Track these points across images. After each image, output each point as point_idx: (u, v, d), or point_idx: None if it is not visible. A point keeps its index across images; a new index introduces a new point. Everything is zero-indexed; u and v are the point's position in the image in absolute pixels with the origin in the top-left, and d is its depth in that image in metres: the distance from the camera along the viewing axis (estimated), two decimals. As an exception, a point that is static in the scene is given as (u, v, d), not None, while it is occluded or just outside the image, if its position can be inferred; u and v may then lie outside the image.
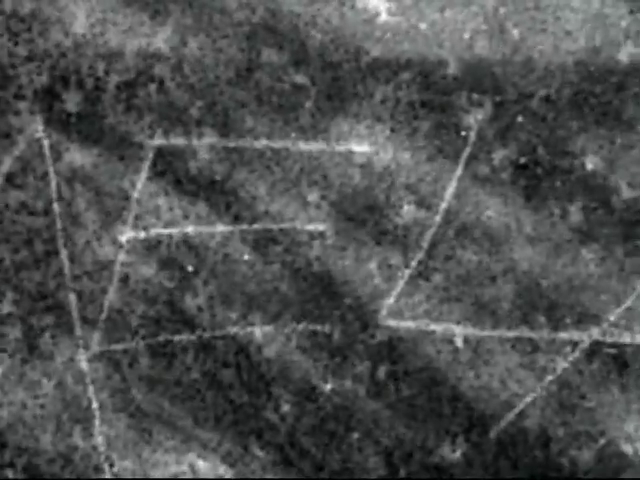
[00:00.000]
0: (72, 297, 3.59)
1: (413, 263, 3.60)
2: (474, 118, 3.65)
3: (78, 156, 3.66)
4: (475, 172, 3.63)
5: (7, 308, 3.57)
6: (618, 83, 3.64)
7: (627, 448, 3.47)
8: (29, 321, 3.58)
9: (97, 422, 3.54)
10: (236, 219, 3.65)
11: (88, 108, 3.69)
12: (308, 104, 3.70)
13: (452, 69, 3.68)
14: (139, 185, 3.66)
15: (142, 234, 3.65)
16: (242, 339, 3.60)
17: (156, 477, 3.50)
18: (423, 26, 3.72)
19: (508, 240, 3.60)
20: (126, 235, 3.65)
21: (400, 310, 3.59)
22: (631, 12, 3.65)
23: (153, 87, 3.70)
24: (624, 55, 3.64)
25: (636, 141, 3.61)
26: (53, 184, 3.64)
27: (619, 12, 3.67)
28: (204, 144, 3.68)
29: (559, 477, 3.48)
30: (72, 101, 3.68)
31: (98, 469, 3.52)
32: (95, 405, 3.55)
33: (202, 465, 3.52)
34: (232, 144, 3.68)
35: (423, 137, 3.66)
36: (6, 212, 3.63)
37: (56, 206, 3.63)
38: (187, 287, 3.62)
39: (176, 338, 3.59)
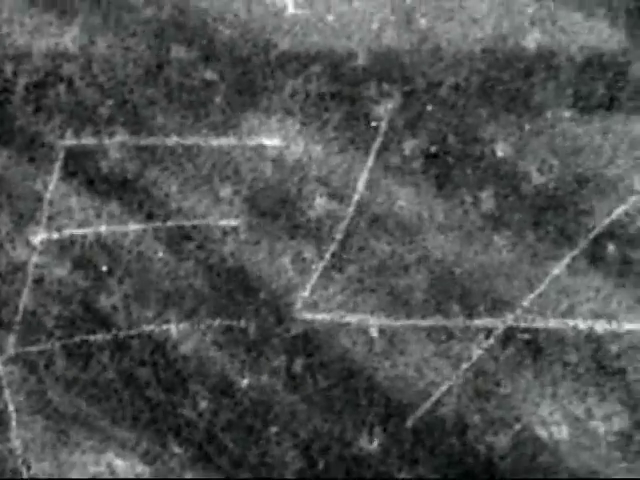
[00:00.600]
0: (-14, 300, 3.59)
1: (327, 255, 3.60)
2: (384, 108, 3.66)
3: (-12, 159, 3.65)
4: (386, 162, 3.64)
5: None
6: (525, 69, 3.65)
7: (542, 432, 3.49)
8: (-57, 326, 3.57)
9: (13, 425, 3.53)
10: (149, 217, 3.65)
11: (-3, 110, 3.68)
12: (218, 100, 3.69)
13: (361, 60, 3.69)
14: (51, 186, 3.65)
15: (55, 235, 3.64)
16: (158, 337, 3.59)
17: (74, 478, 3.50)
18: (331, 18, 3.72)
19: (421, 229, 3.61)
20: (39, 236, 3.64)
21: (315, 303, 3.59)
22: (536, -2, 3.67)
23: (62, 87, 3.69)
24: (531, 42, 3.65)
25: (544, 127, 3.62)
26: (-37, 188, 3.63)
27: (525, -1, 3.69)
28: (115, 143, 3.67)
29: (476, 463, 3.49)
30: (-19, 104, 3.67)
31: (15, 472, 3.52)
32: (11, 408, 3.54)
33: (120, 464, 3.52)
34: (143, 142, 3.68)
35: (334, 129, 3.67)
36: None
37: (-33, 210, 3.62)
38: (102, 287, 3.61)
39: (92, 338, 3.58)
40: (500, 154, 3.63)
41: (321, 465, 3.52)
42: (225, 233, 3.63)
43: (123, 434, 3.53)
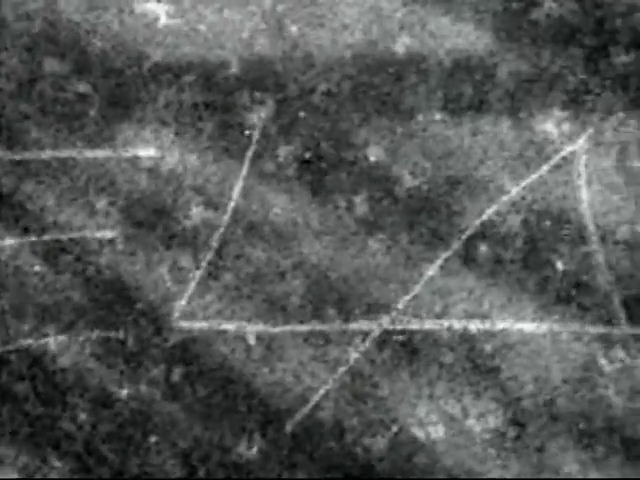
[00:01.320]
0: None
1: (203, 264, 3.62)
2: (257, 116, 3.68)
3: None
4: (261, 170, 3.66)
5: None
6: (396, 74, 3.69)
7: (419, 433, 3.52)
8: None
9: None
10: (25, 231, 3.65)
11: None
12: (92, 112, 3.70)
13: (233, 69, 3.71)
14: None
15: None
16: (36, 351, 3.60)
17: (-48, 495, 3.50)
18: (203, 28, 3.74)
19: (296, 235, 3.64)
20: None
21: (192, 311, 3.61)
22: (405, 4, 3.70)
23: None
24: (400, 46, 3.69)
25: (416, 130, 3.66)
26: None
27: (394, 5, 3.72)
28: (-11, 158, 3.67)
29: (354, 466, 3.52)
30: None
31: None
32: None
33: (0, 480, 3.52)
34: (18, 157, 3.68)
35: (208, 138, 3.69)
36: None
37: None
38: (-21, 302, 3.61)
39: (-31, 354, 3.58)
40: (373, 158, 3.66)
41: (201, 473, 3.54)
42: (102, 245, 3.64)
43: (1, 451, 3.53)
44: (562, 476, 3.47)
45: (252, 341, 3.58)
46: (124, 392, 3.57)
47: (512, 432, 3.51)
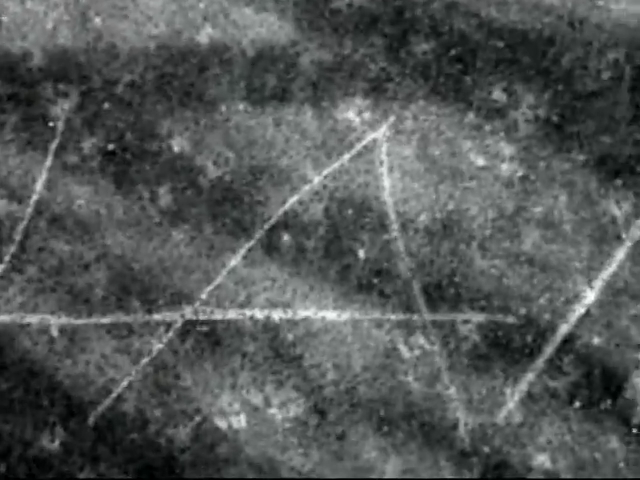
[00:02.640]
0: None
1: (6, 257, 3.59)
2: (61, 108, 3.66)
3: None
4: (65, 162, 3.64)
5: None
6: (199, 64, 3.68)
7: (221, 423, 3.53)
8: None
9: None
10: None
11: None
12: None
13: (37, 60, 3.69)
14: None
15: None
16: None
17: None
18: (5, 19, 3.71)
19: (99, 227, 3.62)
20: None
21: (-6, 305, 3.58)
22: (209, -7, 3.71)
23: None
24: (204, 37, 3.69)
25: (219, 121, 3.66)
26: None
27: (197, -6, 3.72)
28: None
29: (156, 457, 3.51)
30: None
31: None
32: None
33: None
34: None
35: (12, 131, 3.66)
36: None
37: None
38: None
39: None
40: (177, 149, 3.65)
41: (2, 468, 3.51)
42: None
43: None
44: (361, 463, 3.49)
45: (55, 334, 3.56)
46: None
47: (313, 420, 3.52)
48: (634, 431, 3.42)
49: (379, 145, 3.63)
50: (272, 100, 3.65)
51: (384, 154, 3.63)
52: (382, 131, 3.63)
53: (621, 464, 3.42)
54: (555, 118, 3.58)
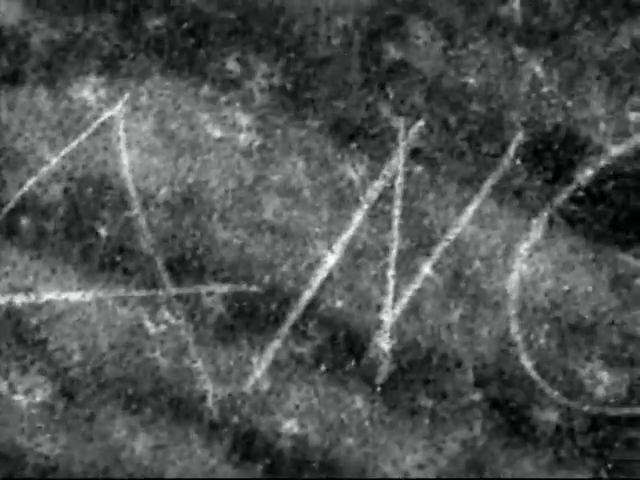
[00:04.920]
0: None
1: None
2: None
3: None
4: None
5: None
6: None
7: (-35, 413, 3.46)
8: None
9: None
10: None
11: None
12: None
13: None
14: None
15: None
16: None
17: None
18: None
19: None
20: None
21: None
22: None
23: None
24: None
25: (-50, 106, 3.59)
26: None
27: None
28: None
29: None
30: None
31: None
32: None
33: None
34: None
35: None
36: None
37: None
38: None
39: None
40: None
41: None
42: None
43: None
44: (111, 443, 3.46)
45: None
46: None
47: (61, 404, 3.47)
48: (377, 390, 3.45)
49: (116, 122, 3.59)
50: (4, 82, 3.59)
51: (121, 131, 3.59)
52: (118, 108, 3.60)
53: (366, 423, 3.44)
54: (289, 86, 3.60)
